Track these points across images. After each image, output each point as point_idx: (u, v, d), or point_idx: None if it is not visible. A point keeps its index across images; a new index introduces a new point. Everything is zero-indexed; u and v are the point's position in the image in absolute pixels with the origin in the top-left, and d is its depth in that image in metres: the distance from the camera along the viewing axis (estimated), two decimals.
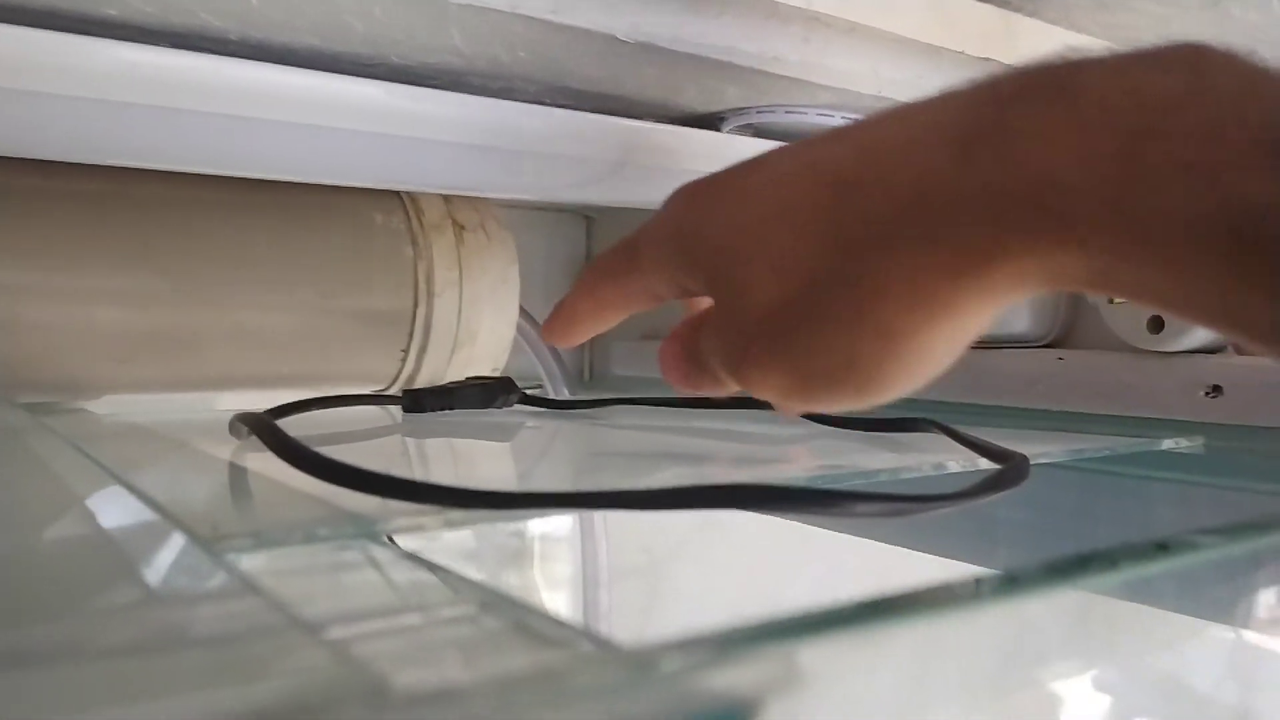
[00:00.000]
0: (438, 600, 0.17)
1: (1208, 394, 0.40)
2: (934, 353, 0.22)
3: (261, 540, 0.20)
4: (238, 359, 0.52)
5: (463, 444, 0.45)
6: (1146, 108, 0.18)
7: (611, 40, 0.33)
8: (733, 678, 0.12)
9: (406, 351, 0.56)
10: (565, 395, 0.66)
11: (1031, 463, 0.31)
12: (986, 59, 0.42)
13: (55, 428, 0.40)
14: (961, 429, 0.35)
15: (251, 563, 0.20)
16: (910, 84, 0.39)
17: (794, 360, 0.23)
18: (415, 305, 0.56)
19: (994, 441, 0.33)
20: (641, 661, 0.12)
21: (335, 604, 0.17)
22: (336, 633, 0.14)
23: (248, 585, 0.15)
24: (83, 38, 0.30)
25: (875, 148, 0.23)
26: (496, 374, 0.60)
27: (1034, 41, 0.59)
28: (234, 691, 0.12)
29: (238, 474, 0.33)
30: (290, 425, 0.40)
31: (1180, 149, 0.18)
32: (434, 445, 0.45)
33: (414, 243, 0.56)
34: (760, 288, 0.24)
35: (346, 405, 0.52)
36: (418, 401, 0.48)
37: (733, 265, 0.24)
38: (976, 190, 0.20)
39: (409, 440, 0.46)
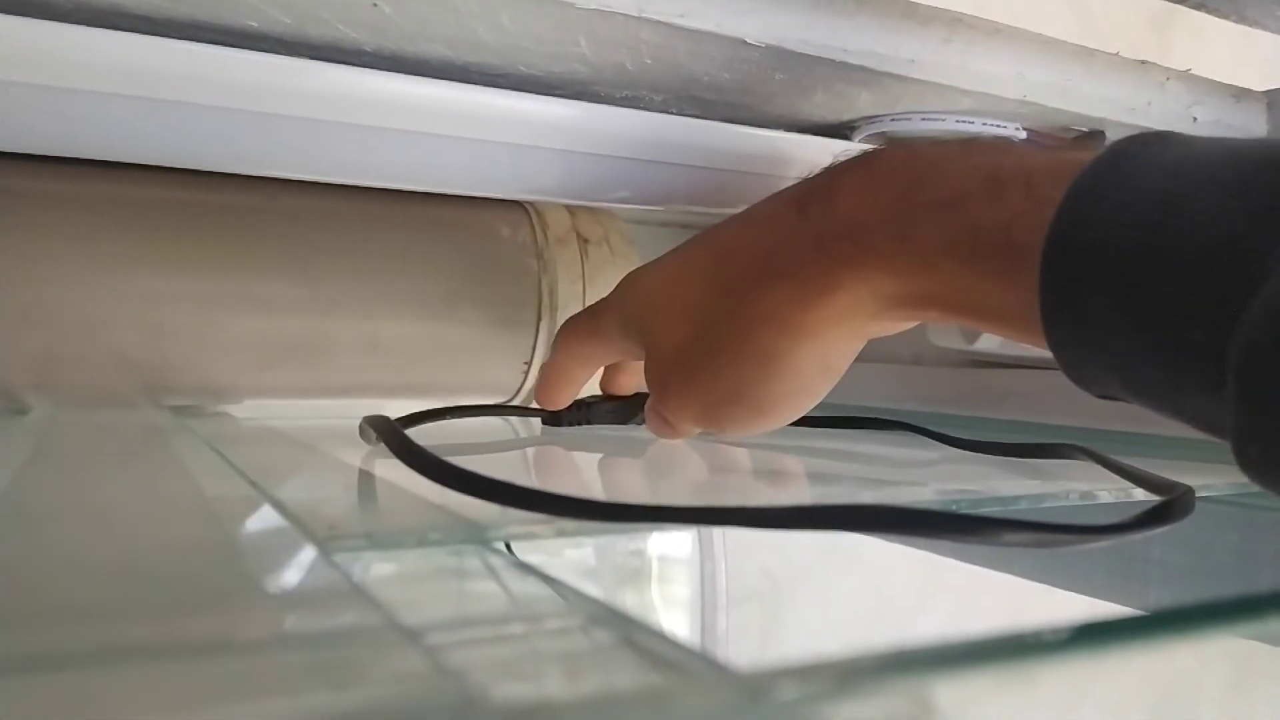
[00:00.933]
0: (546, 612, 0.16)
1: None
2: (806, 373, 0.28)
3: (374, 542, 0.20)
4: (368, 367, 0.54)
5: (595, 458, 0.45)
6: (918, 166, 0.26)
7: (740, 44, 0.32)
8: (855, 711, 0.11)
9: (530, 364, 0.57)
10: None
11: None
12: (1142, 61, 0.39)
13: (196, 429, 0.42)
14: (1115, 457, 0.33)
15: (365, 564, 0.19)
16: (1059, 87, 0.37)
17: (700, 389, 0.30)
18: (539, 318, 0.56)
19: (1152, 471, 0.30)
20: (755, 687, 0.11)
21: (442, 610, 0.16)
22: (438, 639, 0.13)
23: (355, 587, 0.15)
24: (228, 49, 0.31)
25: (748, 218, 0.30)
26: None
27: (1190, 39, 0.55)
28: (327, 695, 0.11)
29: (363, 478, 0.33)
30: (429, 433, 0.41)
31: (936, 192, 0.25)
32: (565, 457, 0.45)
33: (539, 256, 0.57)
34: (670, 333, 0.30)
35: (481, 415, 0.52)
36: (555, 415, 0.48)
37: (652, 319, 0.31)
38: (812, 236, 0.27)
39: (543, 451, 0.46)
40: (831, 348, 0.28)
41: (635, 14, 0.30)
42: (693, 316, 0.29)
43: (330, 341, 0.52)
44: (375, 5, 0.29)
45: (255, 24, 0.30)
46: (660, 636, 0.14)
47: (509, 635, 0.14)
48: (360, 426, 0.36)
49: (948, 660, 0.12)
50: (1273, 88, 0.43)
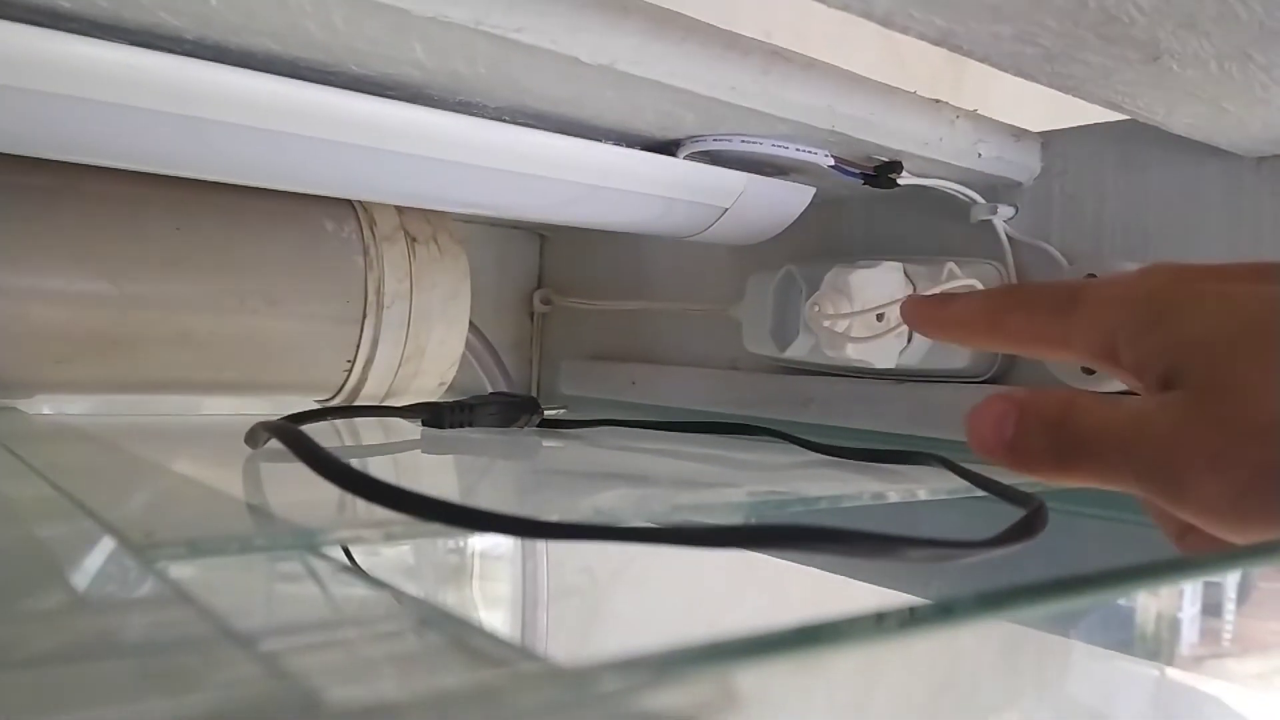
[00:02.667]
0: (375, 615, 0.17)
1: None
2: None
3: (196, 549, 0.20)
4: (179, 363, 0.51)
5: (470, 461, 0.45)
6: None
7: (574, 62, 0.33)
8: (670, 700, 0.12)
9: (353, 362, 0.56)
10: None
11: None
12: (937, 100, 0.43)
13: None
14: (968, 465, 0.35)
15: (185, 572, 0.19)
16: (863, 120, 0.40)
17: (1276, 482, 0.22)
18: (364, 316, 0.55)
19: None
20: (580, 681, 0.12)
21: (270, 616, 0.16)
22: (270, 645, 0.13)
23: (180, 594, 0.15)
24: (34, 28, 0.29)
25: None
26: (445, 387, 0.60)
27: (979, 86, 0.61)
28: (162, 703, 0.11)
29: (177, 481, 0.32)
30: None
31: None
32: (440, 461, 0.44)
33: (365, 253, 0.56)
34: (1262, 395, 0.22)
35: (364, 416, 0.51)
36: (437, 417, 0.47)
37: (1239, 366, 0.23)
38: None
39: (423, 455, 0.45)
40: None
41: (472, 26, 0.30)
42: None
43: (136, 336, 0.49)
44: None
45: (67, 4, 0.28)
46: (487, 635, 0.15)
47: (341, 639, 0.15)
48: (251, 430, 0.34)
49: (750, 649, 0.13)
50: (1046, 130, 0.48)
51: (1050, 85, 0.32)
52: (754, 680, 0.13)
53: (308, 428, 0.41)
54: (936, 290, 0.46)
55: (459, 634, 0.16)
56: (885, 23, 0.27)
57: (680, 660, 0.13)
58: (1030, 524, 0.25)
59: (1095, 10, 0.26)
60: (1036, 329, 0.29)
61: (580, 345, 0.74)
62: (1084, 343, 0.27)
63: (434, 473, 0.41)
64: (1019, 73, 0.31)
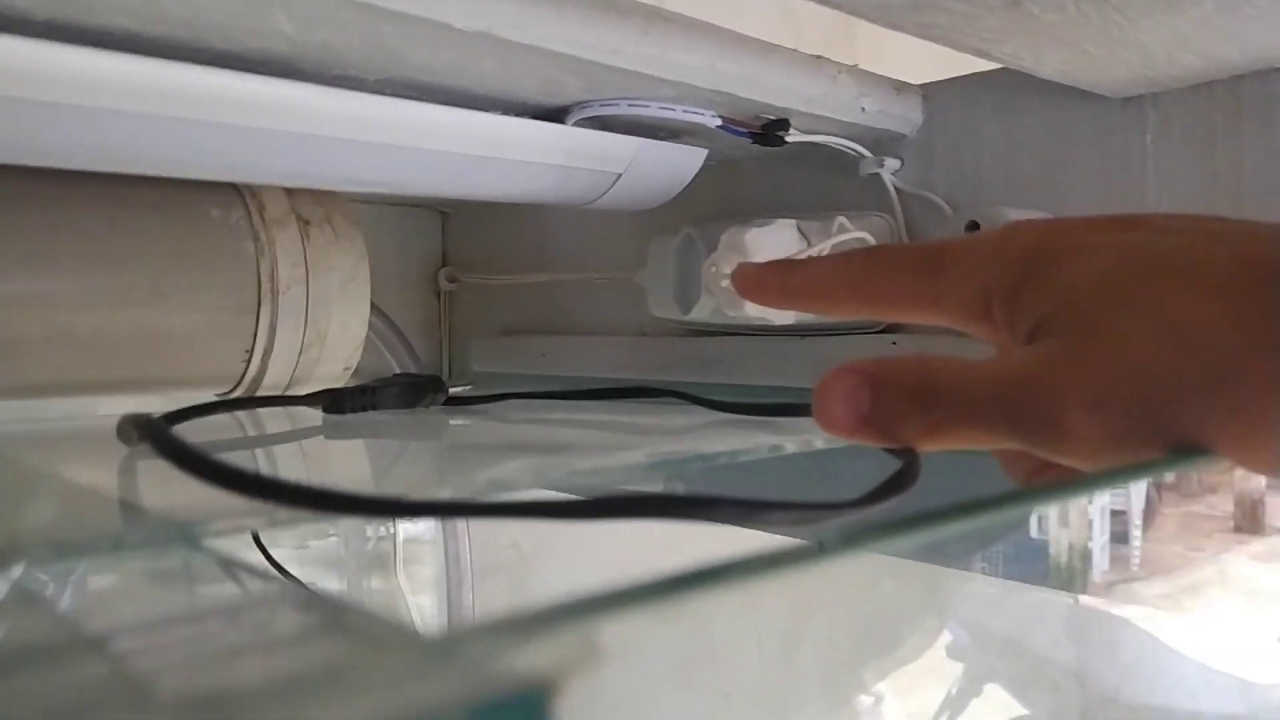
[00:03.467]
0: (248, 605, 0.17)
1: None
2: None
3: (64, 550, 0.19)
4: (63, 364, 0.49)
5: (371, 444, 0.44)
6: None
7: (448, 28, 0.32)
8: (534, 658, 0.12)
9: (251, 352, 0.54)
10: None
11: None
12: (818, 56, 0.43)
13: None
14: None
15: (53, 573, 0.18)
16: (747, 79, 0.41)
17: (1150, 419, 0.22)
18: (259, 304, 0.54)
19: None
20: (439, 647, 0.12)
21: (131, 614, 0.16)
22: (123, 644, 0.13)
23: (30, 598, 0.14)
24: None
25: None
26: (350, 372, 0.58)
27: (872, 44, 0.62)
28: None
29: (52, 484, 0.31)
30: (204, 427, 0.38)
31: None
32: (340, 447, 0.44)
33: (255, 239, 0.54)
34: (1138, 342, 0.22)
35: (258, 407, 0.49)
36: (338, 403, 0.46)
37: (1109, 310, 0.23)
38: None
39: (324, 442, 0.44)
40: None
41: None
42: (1186, 339, 0.23)
43: (14, 338, 0.47)
44: None
45: None
46: (363, 613, 0.15)
47: (201, 633, 0.14)
48: (119, 427, 0.33)
49: (610, 603, 0.13)
50: (926, 81, 0.49)
51: (919, 35, 0.33)
52: (615, 633, 0.13)
53: (199, 422, 0.40)
54: (827, 245, 0.47)
55: (334, 615, 0.15)
56: None
57: (541, 619, 0.13)
58: (900, 479, 0.26)
59: None
60: (903, 290, 0.28)
61: (490, 321, 0.73)
62: (956, 301, 0.27)
63: (334, 459, 0.40)
64: (888, 24, 0.31)
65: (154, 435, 0.24)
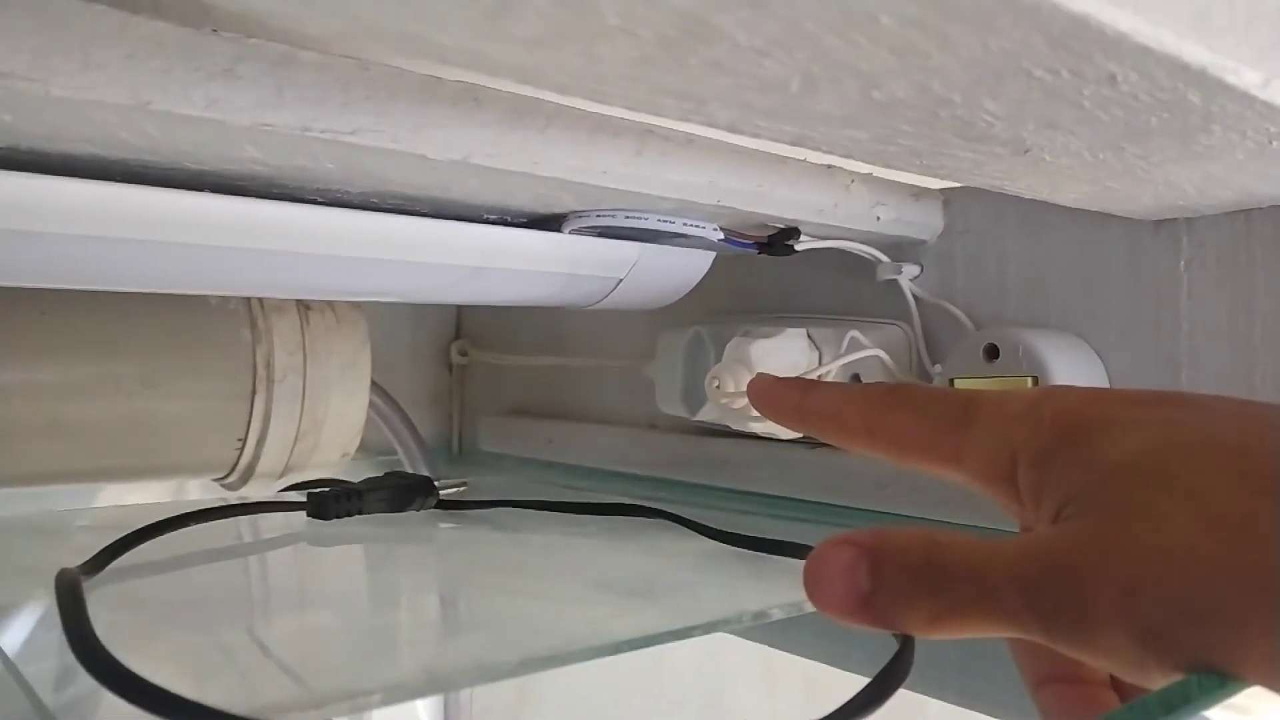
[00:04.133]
0: None
1: None
2: None
3: None
4: (52, 454, 0.48)
5: (349, 568, 0.42)
6: None
7: (423, 159, 0.31)
8: None
9: (244, 440, 0.53)
10: (425, 472, 0.63)
11: None
12: (829, 166, 0.41)
13: None
14: None
15: None
16: (751, 193, 0.39)
17: (1184, 616, 0.19)
18: (254, 392, 0.53)
19: None
20: None
21: None
22: None
23: None
24: None
25: None
26: (348, 459, 0.57)
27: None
28: None
29: None
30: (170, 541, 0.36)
31: None
32: (304, 573, 0.42)
33: (253, 325, 0.53)
34: (1181, 529, 0.20)
35: (230, 516, 0.46)
36: (321, 508, 0.44)
37: (1150, 492, 0.21)
38: None
39: (299, 559, 0.42)
40: None
41: (299, 131, 0.28)
42: (1228, 526, 0.20)
43: (3, 426, 0.46)
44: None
45: None
46: None
47: None
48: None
49: None
50: (947, 186, 0.46)
51: (925, 175, 0.31)
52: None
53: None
54: (838, 364, 0.45)
55: None
56: (733, 130, 0.25)
57: None
58: (884, 683, 0.23)
59: (948, 119, 0.24)
60: (923, 439, 0.26)
61: (500, 400, 0.71)
62: (979, 459, 0.24)
63: (296, 592, 0.39)
64: (888, 166, 0.29)
65: (64, 612, 0.23)
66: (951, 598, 0.21)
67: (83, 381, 0.48)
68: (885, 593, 0.22)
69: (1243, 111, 0.22)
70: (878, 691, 0.23)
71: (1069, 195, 0.34)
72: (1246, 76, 0.20)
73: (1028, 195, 0.34)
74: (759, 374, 0.31)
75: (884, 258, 0.48)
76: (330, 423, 0.55)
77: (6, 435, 0.46)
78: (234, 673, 0.27)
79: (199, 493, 0.67)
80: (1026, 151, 0.27)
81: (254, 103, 0.27)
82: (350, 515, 0.45)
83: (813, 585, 0.23)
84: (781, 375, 0.37)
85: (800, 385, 0.29)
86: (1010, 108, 0.23)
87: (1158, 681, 0.20)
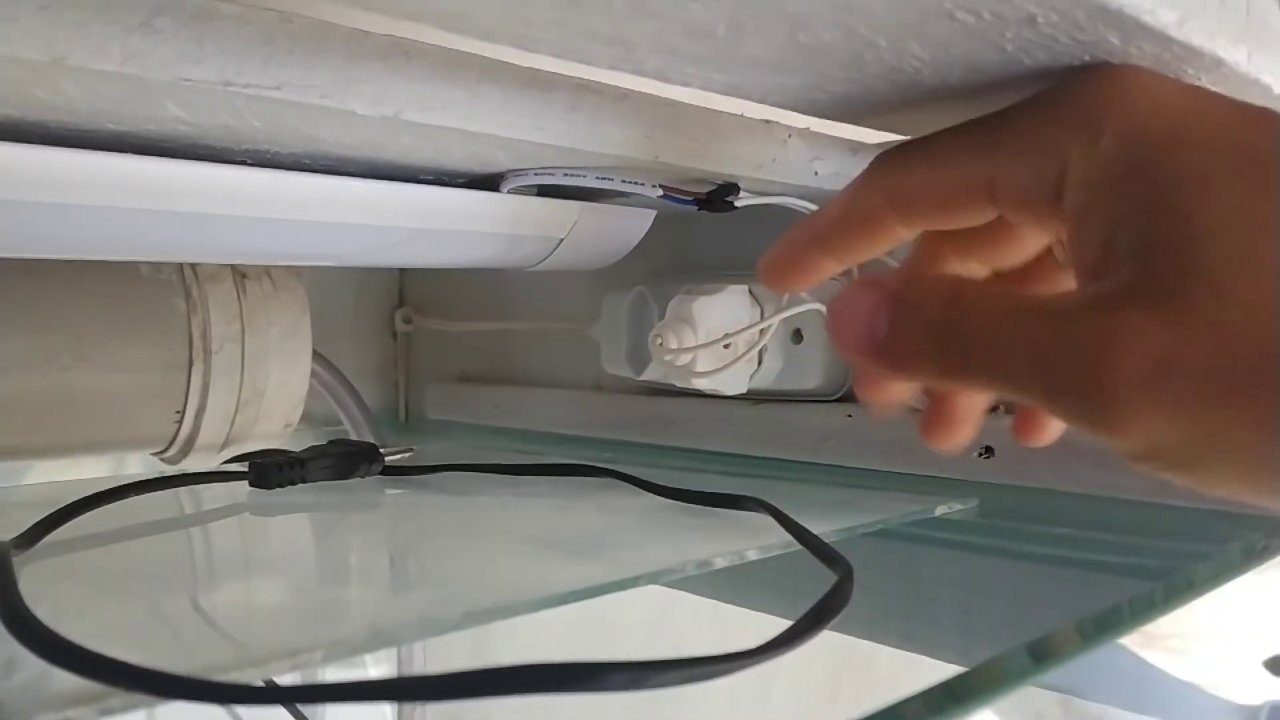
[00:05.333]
0: None
1: (980, 455, 0.41)
2: None
3: None
4: None
5: (294, 534, 0.41)
6: None
7: (352, 115, 0.30)
8: None
9: (182, 413, 0.52)
10: (369, 439, 0.62)
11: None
12: (767, 120, 0.41)
13: None
14: (790, 516, 0.34)
15: None
16: (687, 148, 0.38)
17: (1226, 434, 0.16)
18: (190, 363, 0.52)
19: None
20: None
21: None
22: None
23: None
24: None
25: None
26: (291, 429, 0.56)
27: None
28: None
29: None
30: (106, 514, 0.36)
31: None
32: (249, 539, 0.41)
33: (187, 295, 0.52)
34: (1246, 308, 0.16)
35: (169, 488, 0.46)
36: (264, 477, 0.44)
37: (1210, 249, 0.17)
38: None
39: (242, 527, 0.41)
40: None
41: (221, 86, 0.27)
42: None
43: None
44: None
45: None
46: None
47: None
48: None
49: None
50: (882, 140, 0.47)
51: (859, 125, 0.31)
52: None
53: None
54: (781, 316, 0.45)
55: None
56: (661, 78, 0.25)
57: None
58: (813, 620, 0.24)
59: (875, 63, 0.24)
60: (946, 182, 0.23)
61: (446, 367, 0.71)
62: (1015, 183, 0.21)
63: (238, 560, 0.38)
64: (821, 115, 0.30)
65: None
66: (961, 359, 0.20)
67: (11, 354, 0.47)
68: (899, 343, 0.21)
69: (1161, 52, 0.23)
70: (813, 621, 0.23)
71: None
72: (1162, 15, 0.21)
73: None
74: (760, 262, 0.29)
75: None
76: (271, 393, 0.54)
77: None
78: (175, 639, 0.27)
79: (138, 467, 0.66)
80: (955, 98, 0.28)
81: (174, 57, 0.26)
82: (294, 484, 0.45)
83: (834, 324, 0.22)
84: (721, 332, 0.37)
85: (794, 234, 0.27)
86: (936, 51, 0.23)
87: (1168, 476, 0.18)
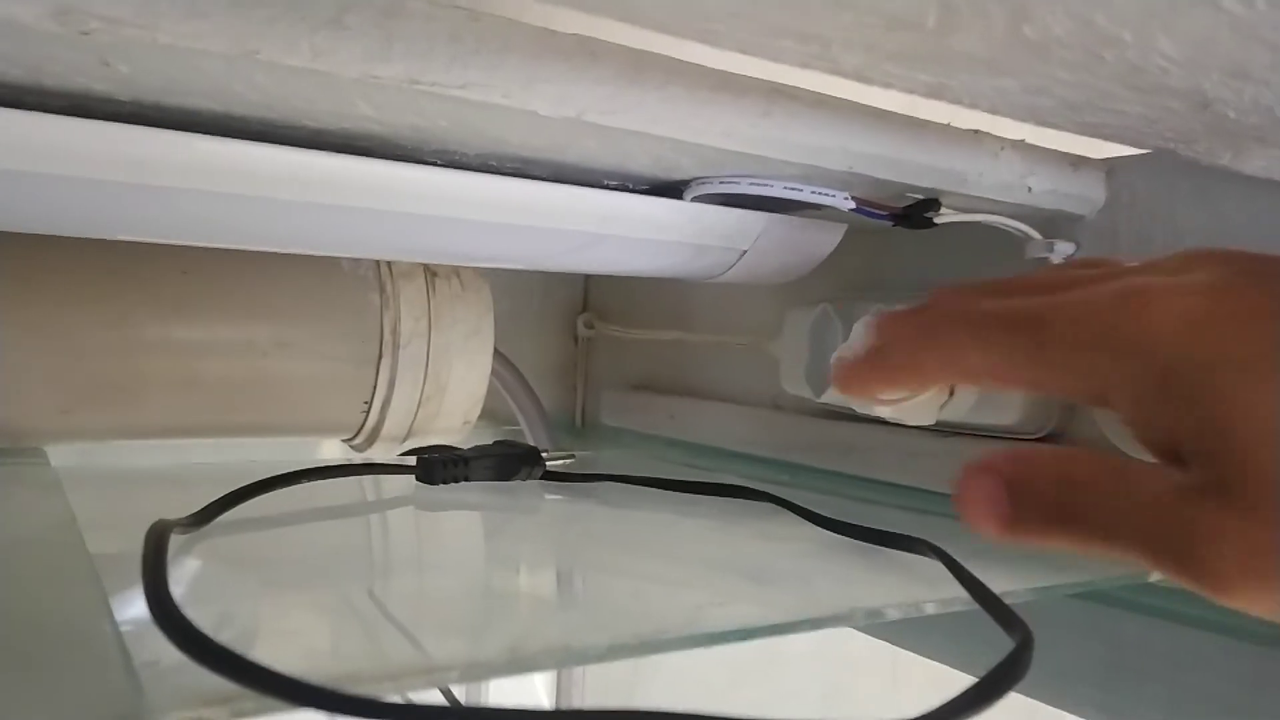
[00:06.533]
0: None
1: None
2: None
3: None
4: (186, 408, 0.50)
5: (456, 532, 0.42)
6: None
7: (535, 115, 0.30)
8: None
9: (370, 404, 0.54)
10: (545, 445, 0.63)
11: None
12: (975, 131, 0.38)
13: None
14: (964, 566, 0.31)
15: None
16: (887, 159, 0.36)
17: None
18: (380, 356, 0.53)
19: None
20: None
21: None
22: None
23: None
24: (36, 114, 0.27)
25: None
26: (470, 426, 0.57)
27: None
28: None
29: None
30: (279, 497, 0.37)
31: None
32: (413, 534, 0.42)
33: (381, 290, 0.54)
34: None
35: (341, 476, 0.47)
36: (429, 473, 0.45)
37: (1258, 451, 0.19)
38: None
39: (402, 525, 0.42)
40: None
41: (407, 85, 0.27)
42: None
43: (141, 382, 0.48)
44: (107, 64, 0.26)
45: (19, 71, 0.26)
46: None
47: None
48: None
49: None
50: (1111, 155, 0.42)
51: (1084, 134, 0.27)
52: None
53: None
54: None
55: None
56: (861, 78, 0.23)
57: None
58: (992, 685, 0.21)
59: (1114, 63, 0.21)
60: (996, 367, 0.25)
61: (623, 374, 0.70)
62: (1062, 388, 0.24)
63: (415, 547, 0.39)
64: (1040, 123, 0.26)
65: (145, 565, 0.22)
66: (1082, 532, 0.22)
67: (220, 340, 0.50)
68: (1025, 519, 0.23)
69: None
70: (985, 691, 0.20)
71: (1255, 162, 0.30)
72: None
73: (1205, 161, 0.30)
74: (836, 356, 0.30)
75: (1035, 234, 0.44)
76: (453, 389, 0.55)
77: (145, 389, 0.48)
78: (340, 636, 0.27)
79: (332, 452, 0.69)
80: (1207, 106, 0.24)
81: (361, 54, 0.26)
82: (457, 481, 0.45)
83: (963, 509, 0.24)
84: None
85: (872, 353, 0.28)
86: (1190, 49, 0.20)
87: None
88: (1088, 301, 0.22)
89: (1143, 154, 0.41)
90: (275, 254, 0.51)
